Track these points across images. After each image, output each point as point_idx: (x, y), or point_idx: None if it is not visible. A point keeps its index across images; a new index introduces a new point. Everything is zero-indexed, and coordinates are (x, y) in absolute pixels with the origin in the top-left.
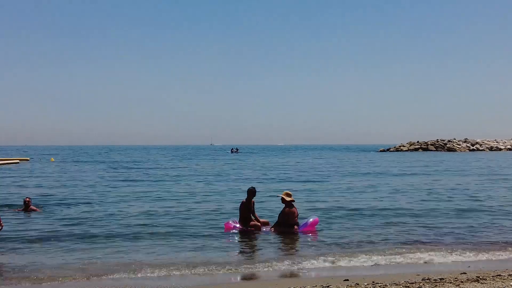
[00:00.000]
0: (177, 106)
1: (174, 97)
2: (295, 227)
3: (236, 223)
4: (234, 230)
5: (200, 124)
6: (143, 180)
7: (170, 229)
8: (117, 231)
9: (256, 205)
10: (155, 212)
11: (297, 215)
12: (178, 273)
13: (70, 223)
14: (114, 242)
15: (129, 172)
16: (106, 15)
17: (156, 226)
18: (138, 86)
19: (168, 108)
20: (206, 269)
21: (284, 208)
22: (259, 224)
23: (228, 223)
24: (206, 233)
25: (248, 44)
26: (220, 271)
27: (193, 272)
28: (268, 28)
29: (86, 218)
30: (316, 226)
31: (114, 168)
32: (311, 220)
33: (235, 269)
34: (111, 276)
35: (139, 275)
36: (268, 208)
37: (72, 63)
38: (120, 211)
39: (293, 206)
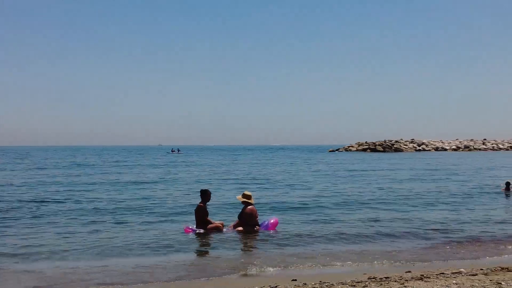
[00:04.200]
0: (128, 107)
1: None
2: (257, 227)
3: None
4: (194, 233)
5: (149, 125)
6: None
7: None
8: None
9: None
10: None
11: (257, 215)
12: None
13: None
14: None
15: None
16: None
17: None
18: (86, 86)
19: (118, 109)
20: (162, 269)
21: (244, 208)
22: (220, 225)
23: (187, 227)
24: (165, 238)
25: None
26: (173, 271)
27: (146, 270)
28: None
29: None
30: (276, 227)
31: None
32: (272, 220)
33: (183, 269)
34: None
35: None
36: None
37: None
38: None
39: (252, 206)
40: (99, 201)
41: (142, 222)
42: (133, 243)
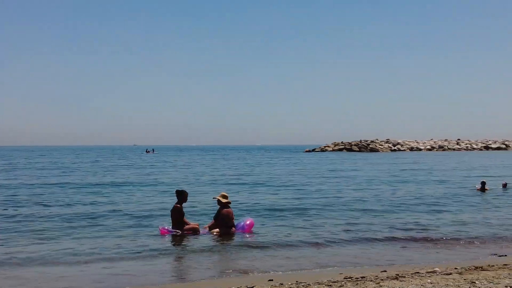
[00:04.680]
0: (100, 106)
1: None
2: (233, 228)
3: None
4: (170, 234)
5: (125, 125)
6: None
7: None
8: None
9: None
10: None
11: (233, 217)
12: None
13: None
14: None
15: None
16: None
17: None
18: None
19: (89, 107)
20: (138, 273)
21: (221, 209)
22: (197, 226)
23: (163, 228)
24: (141, 240)
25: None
26: (149, 275)
27: (122, 271)
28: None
29: None
30: (252, 228)
31: None
32: (247, 222)
33: (160, 272)
34: None
35: None
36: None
37: None
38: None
39: (229, 207)
40: (72, 204)
41: (118, 224)
42: (108, 247)
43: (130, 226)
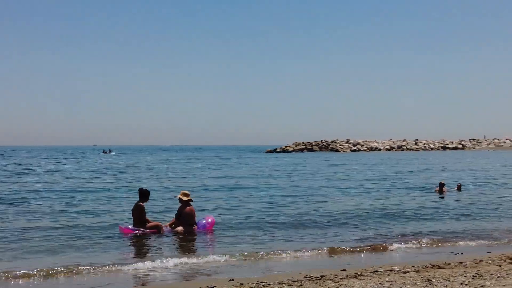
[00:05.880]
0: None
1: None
2: (194, 226)
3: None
4: (132, 233)
5: (83, 124)
6: None
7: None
8: None
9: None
10: None
11: (195, 214)
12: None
13: None
14: None
15: None
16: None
17: None
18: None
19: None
20: (92, 269)
21: (182, 207)
22: (160, 224)
23: (126, 227)
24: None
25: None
26: (108, 277)
27: (76, 270)
28: None
29: None
30: (213, 226)
31: None
32: (209, 220)
33: (118, 274)
34: None
35: None
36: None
37: None
38: None
39: (190, 205)
40: (27, 203)
41: (76, 224)
42: (65, 244)
43: (89, 223)
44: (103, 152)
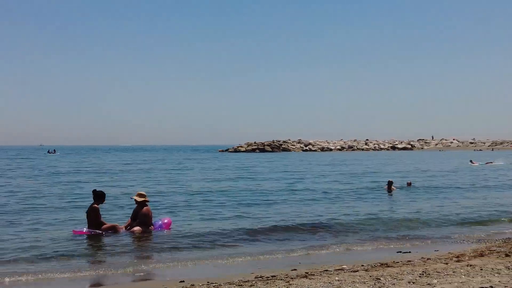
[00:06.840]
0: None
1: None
2: (151, 227)
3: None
4: (89, 234)
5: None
6: None
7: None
8: None
9: None
10: None
11: (152, 215)
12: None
13: None
14: None
15: None
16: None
17: None
18: None
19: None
20: (51, 275)
21: (138, 208)
22: (117, 225)
23: (81, 230)
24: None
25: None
26: (63, 281)
27: (40, 277)
28: None
29: None
30: (170, 226)
31: None
32: (165, 220)
33: (72, 278)
34: None
35: None
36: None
37: None
38: None
39: (147, 205)
40: None
41: (26, 228)
42: (17, 248)
43: (42, 227)
44: (48, 152)
